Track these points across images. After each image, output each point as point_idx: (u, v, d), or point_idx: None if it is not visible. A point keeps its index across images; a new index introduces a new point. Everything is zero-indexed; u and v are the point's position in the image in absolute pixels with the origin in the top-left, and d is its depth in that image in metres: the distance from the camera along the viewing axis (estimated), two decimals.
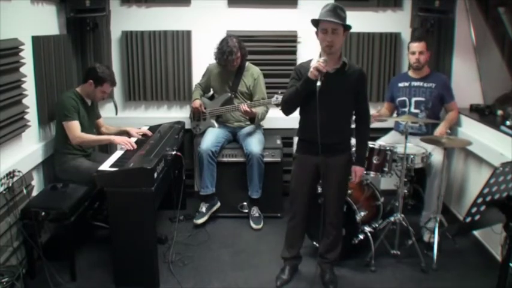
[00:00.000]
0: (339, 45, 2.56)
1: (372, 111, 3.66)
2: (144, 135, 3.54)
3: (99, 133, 3.58)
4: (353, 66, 2.69)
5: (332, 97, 2.58)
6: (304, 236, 2.99)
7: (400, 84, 3.71)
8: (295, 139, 2.90)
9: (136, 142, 3.32)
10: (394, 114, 3.87)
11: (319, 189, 2.94)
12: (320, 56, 2.61)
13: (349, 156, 2.79)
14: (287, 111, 2.74)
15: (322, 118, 2.55)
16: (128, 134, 3.55)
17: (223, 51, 3.62)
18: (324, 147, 2.60)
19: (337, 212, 2.84)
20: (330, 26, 2.50)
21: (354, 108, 2.73)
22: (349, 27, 2.55)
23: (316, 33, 2.60)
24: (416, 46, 3.58)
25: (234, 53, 3.62)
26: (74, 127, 3.18)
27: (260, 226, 3.69)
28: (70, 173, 3.23)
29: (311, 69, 2.49)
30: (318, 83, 2.45)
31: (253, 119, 3.75)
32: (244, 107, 3.62)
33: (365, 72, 2.76)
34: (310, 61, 2.67)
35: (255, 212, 3.76)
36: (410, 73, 3.72)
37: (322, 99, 2.52)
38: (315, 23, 2.57)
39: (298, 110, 2.76)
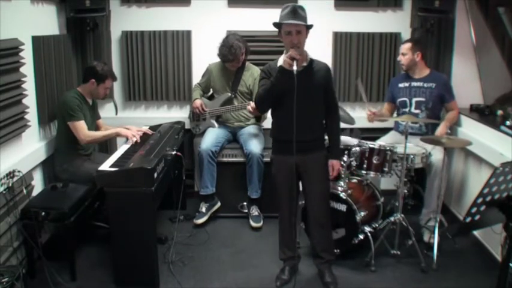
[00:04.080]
0: (304, 45, 2.59)
1: (371, 109, 3.66)
2: (144, 134, 3.55)
3: None
4: (319, 63, 2.72)
5: (303, 95, 2.59)
6: (297, 236, 2.99)
7: (401, 85, 3.71)
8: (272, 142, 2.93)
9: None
10: (395, 114, 3.87)
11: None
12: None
13: (326, 154, 2.82)
14: (262, 108, 2.83)
15: (296, 116, 2.56)
16: None
17: (230, 45, 3.61)
18: (299, 145, 2.61)
19: (324, 211, 2.84)
20: (293, 28, 2.52)
21: (324, 103, 2.75)
22: (311, 26, 2.59)
23: (279, 35, 2.63)
24: (401, 47, 3.67)
25: (240, 47, 3.64)
26: (82, 127, 3.19)
27: (260, 224, 3.68)
28: (70, 173, 3.23)
29: (284, 58, 2.52)
30: (294, 67, 2.47)
31: (259, 117, 3.75)
32: (252, 105, 3.61)
33: (329, 67, 2.80)
34: (276, 61, 2.72)
35: (254, 210, 3.75)
36: (411, 73, 3.72)
37: (293, 98, 2.53)
38: (277, 25, 2.59)
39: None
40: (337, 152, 2.89)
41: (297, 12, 2.53)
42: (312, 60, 2.68)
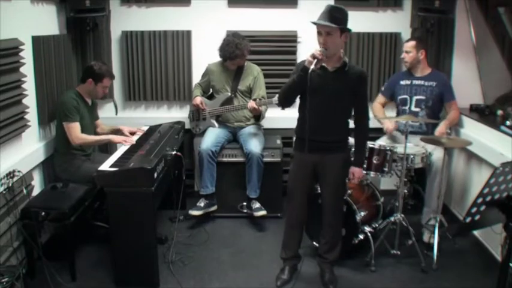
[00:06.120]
0: (334, 47, 2.54)
1: (391, 123, 3.66)
2: (134, 133, 3.56)
3: (95, 133, 3.58)
4: (354, 67, 2.69)
5: (329, 95, 2.59)
6: (303, 236, 2.99)
7: (402, 82, 3.72)
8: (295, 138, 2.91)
9: (137, 141, 3.34)
10: (394, 114, 3.87)
11: (319, 189, 2.94)
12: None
13: (347, 156, 2.80)
14: (283, 102, 2.73)
15: (318, 116, 2.58)
16: (120, 132, 3.57)
17: (237, 42, 3.62)
18: (319, 144, 2.62)
19: (335, 212, 2.84)
20: (323, 28, 2.50)
21: (352, 108, 2.73)
22: (346, 29, 2.53)
23: None
24: (404, 45, 3.67)
25: (246, 44, 3.65)
26: (75, 128, 3.19)
27: (264, 212, 3.64)
28: (70, 173, 3.23)
29: (308, 57, 2.50)
30: (312, 66, 2.44)
31: (258, 116, 3.76)
32: (252, 104, 3.62)
33: (366, 74, 2.75)
34: None
35: (255, 203, 3.71)
36: (413, 71, 3.71)
37: (320, 97, 2.55)
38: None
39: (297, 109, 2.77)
40: (361, 159, 2.86)
41: (330, 13, 2.48)
42: (345, 64, 2.62)
